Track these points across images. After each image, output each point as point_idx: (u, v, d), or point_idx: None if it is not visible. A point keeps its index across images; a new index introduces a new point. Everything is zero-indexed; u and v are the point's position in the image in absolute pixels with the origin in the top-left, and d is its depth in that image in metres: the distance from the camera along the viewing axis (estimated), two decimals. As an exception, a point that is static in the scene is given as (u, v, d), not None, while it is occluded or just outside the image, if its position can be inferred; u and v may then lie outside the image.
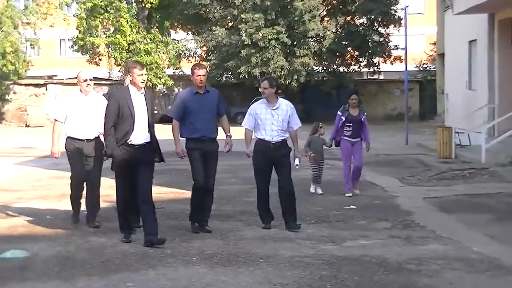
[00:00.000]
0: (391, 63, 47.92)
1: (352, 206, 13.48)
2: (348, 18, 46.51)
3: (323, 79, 45.16)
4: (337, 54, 45.47)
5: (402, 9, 45.59)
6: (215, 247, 9.81)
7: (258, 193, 11.51)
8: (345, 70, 47.56)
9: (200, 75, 11.12)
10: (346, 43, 45.37)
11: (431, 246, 10.07)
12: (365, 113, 15.18)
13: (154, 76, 45.47)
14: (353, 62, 47.46)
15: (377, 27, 46.81)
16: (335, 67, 46.66)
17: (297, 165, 11.60)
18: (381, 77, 54.40)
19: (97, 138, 11.32)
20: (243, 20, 42.75)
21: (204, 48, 47.01)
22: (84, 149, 11.32)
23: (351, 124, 14.77)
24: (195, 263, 8.94)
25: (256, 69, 42.73)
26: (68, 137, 11.43)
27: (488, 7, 21.82)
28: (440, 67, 37.97)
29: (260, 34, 42.31)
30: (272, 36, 42.46)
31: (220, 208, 12.88)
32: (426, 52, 52.31)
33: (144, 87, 10.07)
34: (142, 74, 9.99)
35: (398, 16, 45.57)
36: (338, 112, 14.90)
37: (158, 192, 14.29)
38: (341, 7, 46.10)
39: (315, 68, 45.17)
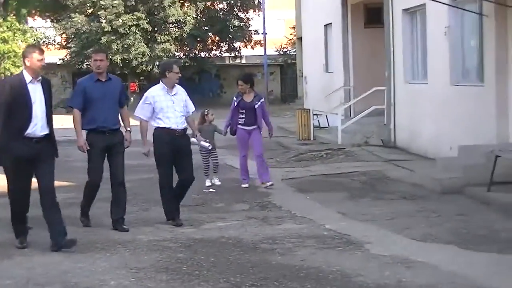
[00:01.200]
0: (252, 47, 48.49)
1: (211, 190, 13.66)
2: (208, 4, 46.70)
3: (184, 64, 45.19)
4: (198, 39, 45.64)
5: (261, -6, 46.43)
6: (74, 235, 9.75)
7: (164, 187, 10.69)
8: (207, 55, 47.79)
9: (97, 60, 10.31)
10: (207, 28, 45.63)
11: (286, 226, 10.38)
12: (262, 99, 14.13)
13: (12, 65, 44.24)
14: (214, 47, 47.74)
15: (237, 12, 47.24)
16: (197, 52, 46.81)
17: (209, 146, 11.70)
18: (243, 61, 54.97)
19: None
20: (102, 6, 42.28)
21: (64, 35, 46.22)
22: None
23: (244, 111, 13.84)
24: (52, 252, 8.90)
25: (117, 56, 42.39)
26: None
27: (341, -9, 22.43)
28: (299, 51, 38.63)
29: (120, 21, 41.97)
30: (132, 23, 42.20)
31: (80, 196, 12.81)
32: (286, 36, 53.11)
33: (41, 75, 9.08)
34: (42, 59, 8.93)
35: (258, 1, 46.09)
36: (234, 98, 14.08)
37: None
38: (200, -8, 46.26)
39: (177, 54, 45.18)
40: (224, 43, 47.43)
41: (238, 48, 48.31)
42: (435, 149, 16.16)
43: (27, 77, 8.90)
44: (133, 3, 42.53)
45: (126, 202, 10.49)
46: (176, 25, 44.47)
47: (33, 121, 8.81)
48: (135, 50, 42.37)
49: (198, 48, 46.56)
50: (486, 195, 11.77)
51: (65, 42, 46.54)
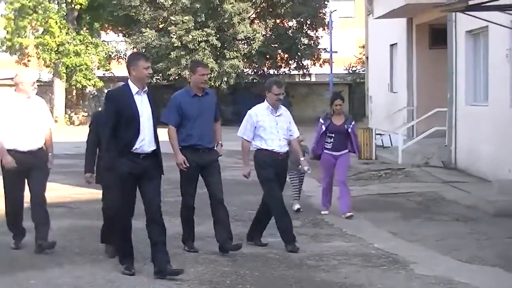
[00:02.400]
0: (321, 65, 48.57)
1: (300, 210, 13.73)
2: (278, 21, 46.96)
3: (253, 81, 45.55)
4: (267, 56, 45.89)
5: (330, 12, 46.60)
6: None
7: (277, 205, 10.11)
8: (275, 72, 48.04)
9: (204, 74, 9.77)
10: (276, 45, 45.82)
11: (335, 243, 10.49)
12: (353, 122, 12.97)
13: (83, 77, 45.36)
14: (283, 65, 47.96)
15: (306, 30, 47.38)
16: (265, 69, 47.10)
17: (309, 169, 10.76)
18: (312, 79, 55.10)
19: (41, 148, 9.76)
20: (172, 22, 42.89)
21: (134, 49, 47.00)
22: (25, 163, 9.49)
23: (333, 135, 12.60)
24: (102, 261, 9.17)
25: (186, 71, 42.86)
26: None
27: (405, 12, 22.43)
28: (368, 70, 38.67)
29: (190, 36, 42.49)
30: (201, 38, 42.69)
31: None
32: (355, 55, 53.10)
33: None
34: (148, 67, 8.35)
35: (327, 20, 46.26)
36: (321, 120, 12.89)
37: (76, 192, 14.44)
38: (270, 10, 46.51)
39: (245, 70, 45.53)
40: (293, 60, 47.60)
41: (306, 66, 48.44)
42: (495, 171, 16.05)
43: (133, 88, 8.30)
44: (203, 19, 43.05)
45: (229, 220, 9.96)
46: (245, 41, 44.83)
47: (141, 135, 8.23)
48: (204, 65, 42.82)
49: (266, 65, 46.82)
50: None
51: (136, 57, 47.32)
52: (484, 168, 16.93)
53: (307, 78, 52.63)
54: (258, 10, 46.76)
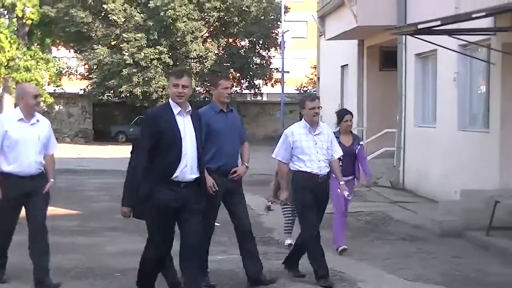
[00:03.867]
0: (272, 85, 48.96)
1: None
2: (230, 40, 47.23)
3: (205, 99, 45.67)
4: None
5: (282, 33, 46.99)
6: (76, 261, 10.02)
7: (310, 233, 9.19)
8: (227, 91, 48.22)
9: (227, 88, 8.86)
10: (228, 64, 46.06)
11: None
12: (361, 141, 11.78)
13: (34, 93, 44.94)
14: (235, 84, 48.16)
15: (258, 49, 47.73)
16: (217, 88, 47.21)
17: (348, 195, 10.12)
18: (264, 98, 55.46)
19: (42, 173, 8.74)
20: (125, 39, 42.90)
21: (86, 66, 46.88)
22: (25, 189, 8.53)
23: (342, 157, 10.31)
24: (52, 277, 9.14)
25: (137, 88, 42.93)
26: (3, 173, 8.55)
27: (356, 34, 22.74)
28: (319, 91, 39.01)
29: (142, 54, 42.54)
30: (154, 56, 42.75)
31: (87, 224, 13.10)
32: (307, 75, 53.53)
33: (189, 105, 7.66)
34: (178, 85, 7.46)
35: (280, 40, 46.64)
36: None
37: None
38: (223, 29, 46.77)
39: (197, 89, 45.64)
40: (245, 79, 47.88)
41: (258, 85, 48.75)
42: (442, 192, 16.33)
43: (175, 108, 7.49)
44: (156, 37, 43.11)
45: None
46: (198, 60, 44.98)
47: (183, 161, 7.35)
48: (155, 83, 42.87)
49: (218, 84, 46.96)
50: (485, 239, 11.95)
51: (87, 73, 47.21)
52: (432, 189, 17.22)
53: (259, 98, 52.95)
54: (211, 29, 46.99)
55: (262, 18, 46.34)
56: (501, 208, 12.22)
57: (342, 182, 9.77)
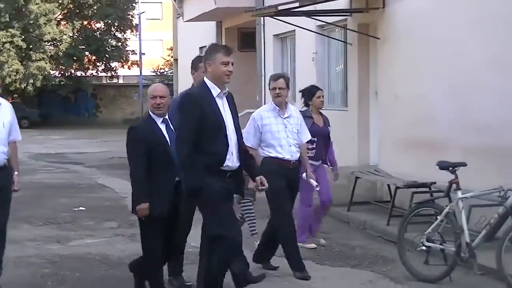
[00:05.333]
0: (129, 67, 48.59)
1: (81, 208, 13.75)
2: (85, 23, 46.51)
3: (60, 83, 44.89)
4: (74, 58, 45.30)
5: (138, 14, 46.65)
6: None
7: (285, 223, 8.48)
8: (83, 74, 47.54)
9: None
10: (83, 47, 45.37)
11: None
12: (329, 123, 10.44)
13: None
14: (91, 67, 47.50)
15: (114, 32, 47.20)
16: (73, 71, 46.50)
17: (317, 185, 9.32)
18: (120, 81, 54.94)
19: (5, 166, 7.51)
20: (-26, 22, 41.57)
21: None
22: None
23: (315, 140, 9.74)
24: None
25: (-11, 71, 41.71)
26: None
27: (215, 15, 22.89)
28: (176, 72, 38.99)
29: (-7, 37, 41.34)
30: (6, 39, 41.57)
31: None
32: (163, 57, 53.37)
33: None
34: (228, 63, 6.68)
35: (136, 22, 46.29)
36: None
37: None
38: (77, 11, 45.98)
39: (52, 72, 44.74)
40: (101, 62, 47.28)
41: (114, 68, 48.26)
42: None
43: (213, 89, 6.69)
44: (8, 19, 41.90)
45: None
46: (52, 43, 44.07)
47: (230, 148, 6.65)
48: (8, 67, 41.70)
49: (74, 67, 46.22)
50: (346, 214, 12.34)
51: None
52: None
53: (115, 80, 52.44)
54: (65, 11, 46.07)
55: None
56: (360, 184, 12.64)
57: (309, 170, 9.17)
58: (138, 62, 47.96)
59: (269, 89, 8.78)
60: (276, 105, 8.59)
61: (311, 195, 9.92)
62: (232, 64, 6.69)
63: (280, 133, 8.49)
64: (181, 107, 6.73)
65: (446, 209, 8.20)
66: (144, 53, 49.27)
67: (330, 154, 10.35)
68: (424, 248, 8.32)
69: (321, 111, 10.27)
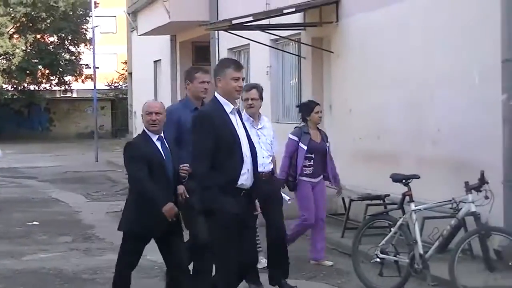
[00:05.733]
0: (83, 81, 48.32)
1: (35, 222, 13.64)
2: (38, 36, 46.13)
3: (13, 97, 44.49)
4: (27, 72, 44.88)
5: (92, 28, 46.43)
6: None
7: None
8: (36, 88, 47.16)
9: (204, 82, 7.82)
10: (37, 61, 44.99)
11: (108, 257, 10.53)
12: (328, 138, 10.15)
13: None
14: (44, 80, 47.10)
15: (67, 45, 46.90)
16: (26, 85, 46.10)
17: (289, 199, 9.13)
18: (74, 95, 54.59)
19: None
20: None
21: None
22: None
23: (313, 156, 9.64)
24: None
25: None
26: None
27: (169, 29, 22.90)
28: (131, 86, 38.92)
29: None
30: (-43, 53, 41.14)
31: None
32: (118, 71, 53.14)
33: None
34: (239, 78, 6.48)
35: (89, 36, 46.01)
36: (292, 137, 9.67)
37: None
38: (30, 24, 45.55)
39: (5, 86, 44.28)
40: (55, 76, 46.92)
41: (68, 82, 47.95)
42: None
43: (227, 106, 6.45)
44: (-40, 33, 41.47)
45: None
46: (5, 57, 43.64)
47: (245, 165, 6.41)
48: (-40, 81, 41.24)
49: (27, 80, 45.81)
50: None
51: None
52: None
53: (69, 94, 52.10)
54: (18, 25, 45.62)
55: (71, 13, 45.54)
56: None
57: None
58: (92, 76, 47.54)
59: (241, 100, 8.46)
60: (250, 116, 8.47)
61: (312, 212, 9.60)
62: (243, 80, 6.52)
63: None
64: (195, 126, 6.48)
65: (399, 221, 8.30)
66: (98, 67, 48.65)
67: (331, 169, 9.93)
68: (378, 260, 8.41)
69: (297, 124, 10.04)
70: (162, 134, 7.10)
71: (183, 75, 8.19)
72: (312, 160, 9.58)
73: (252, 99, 8.48)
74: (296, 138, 9.55)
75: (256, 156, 6.58)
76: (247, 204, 6.40)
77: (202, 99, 7.76)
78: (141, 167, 6.90)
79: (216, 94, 6.46)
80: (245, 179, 6.33)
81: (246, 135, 6.51)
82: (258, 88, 8.67)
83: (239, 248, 6.30)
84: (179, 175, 7.14)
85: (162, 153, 7.01)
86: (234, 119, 6.43)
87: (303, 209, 9.65)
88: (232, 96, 6.42)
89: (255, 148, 6.62)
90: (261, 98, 8.55)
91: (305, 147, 9.49)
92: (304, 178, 9.56)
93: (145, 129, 7.13)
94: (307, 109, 9.82)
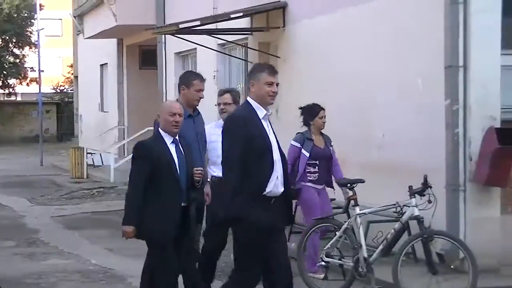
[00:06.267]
0: (28, 84, 47.82)
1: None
2: (-17, 39, 45.59)
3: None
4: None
5: (37, 31, 45.95)
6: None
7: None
8: (-20, 91, 46.62)
9: (201, 90, 7.84)
10: (-20, 64, 44.45)
11: (52, 261, 10.55)
12: (332, 143, 9.62)
13: None
14: (-13, 84, 46.56)
15: (12, 48, 46.37)
16: (-30, 88, 45.54)
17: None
18: (18, 98, 53.94)
19: None
20: None
21: None
22: None
23: (317, 163, 9.31)
24: None
25: None
26: None
27: (116, 33, 22.79)
28: (77, 89, 38.62)
29: None
30: None
31: None
32: (63, 74, 52.66)
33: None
34: (273, 83, 6.32)
35: (34, 38, 45.53)
36: (294, 143, 9.39)
37: None
38: (-26, 27, 45.01)
39: None
40: (-2, 79, 46.41)
41: (13, 85, 47.42)
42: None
43: (259, 110, 6.25)
44: None
45: None
46: None
47: (274, 173, 6.20)
48: None
49: (-29, 84, 45.27)
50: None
51: None
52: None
53: (13, 97, 51.48)
54: (-40, 27, 45.03)
55: (15, 15, 45.05)
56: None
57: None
58: (37, 79, 47.13)
59: (216, 104, 8.41)
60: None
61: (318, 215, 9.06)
62: (277, 85, 6.33)
63: None
64: (227, 131, 6.26)
65: (344, 225, 8.38)
66: (43, 70, 48.22)
67: (337, 173, 9.50)
68: (323, 263, 8.48)
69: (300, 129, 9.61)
70: (177, 137, 6.90)
71: (179, 78, 7.97)
72: (316, 167, 9.25)
73: (224, 103, 8.27)
74: (298, 145, 9.29)
75: (287, 163, 6.46)
76: (277, 210, 6.22)
77: (195, 106, 7.70)
78: (144, 172, 6.74)
79: (248, 98, 6.31)
80: (275, 186, 6.15)
81: (276, 141, 6.31)
82: (232, 93, 8.49)
83: (267, 265, 6.19)
84: (193, 178, 6.92)
85: (174, 155, 6.81)
86: (266, 125, 6.26)
87: (309, 215, 9.20)
88: (265, 101, 6.25)
89: (285, 155, 6.49)
90: (235, 102, 8.25)
91: (308, 154, 9.19)
92: (308, 184, 9.24)
93: (160, 130, 6.87)
94: (311, 113, 9.47)
